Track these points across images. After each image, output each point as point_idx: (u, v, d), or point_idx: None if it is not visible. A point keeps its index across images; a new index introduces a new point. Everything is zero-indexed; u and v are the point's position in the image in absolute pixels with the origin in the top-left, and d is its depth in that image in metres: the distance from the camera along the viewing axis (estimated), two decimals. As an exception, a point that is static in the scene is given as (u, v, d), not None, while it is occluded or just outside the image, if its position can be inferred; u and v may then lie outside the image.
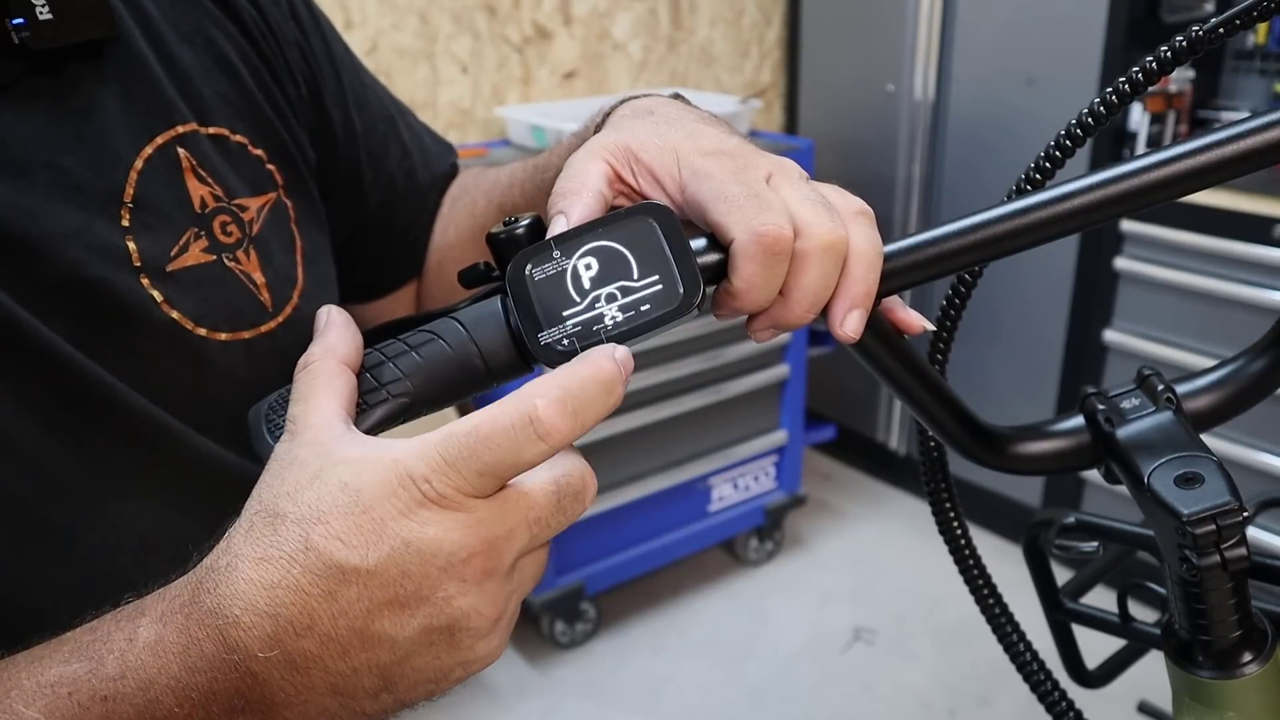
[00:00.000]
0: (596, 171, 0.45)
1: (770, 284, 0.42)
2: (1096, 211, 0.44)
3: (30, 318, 0.46)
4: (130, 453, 0.50)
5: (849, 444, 2.85)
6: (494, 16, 2.30)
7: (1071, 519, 0.62)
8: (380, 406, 0.42)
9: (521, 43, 2.36)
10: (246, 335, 0.55)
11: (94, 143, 0.50)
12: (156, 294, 0.51)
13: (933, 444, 0.62)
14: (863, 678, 2.12)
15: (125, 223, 0.50)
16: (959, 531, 0.64)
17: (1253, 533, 1.84)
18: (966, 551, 0.65)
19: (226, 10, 0.58)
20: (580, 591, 2.13)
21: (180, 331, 0.52)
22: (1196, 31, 0.48)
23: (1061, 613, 0.66)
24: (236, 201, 0.56)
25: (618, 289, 0.41)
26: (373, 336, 0.44)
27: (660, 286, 0.41)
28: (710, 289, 0.43)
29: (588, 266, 0.41)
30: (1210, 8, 2.11)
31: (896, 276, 0.45)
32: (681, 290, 0.41)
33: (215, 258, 0.54)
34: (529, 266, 0.41)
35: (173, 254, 0.52)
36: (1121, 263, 2.09)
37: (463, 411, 0.39)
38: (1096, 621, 0.64)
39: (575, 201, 0.43)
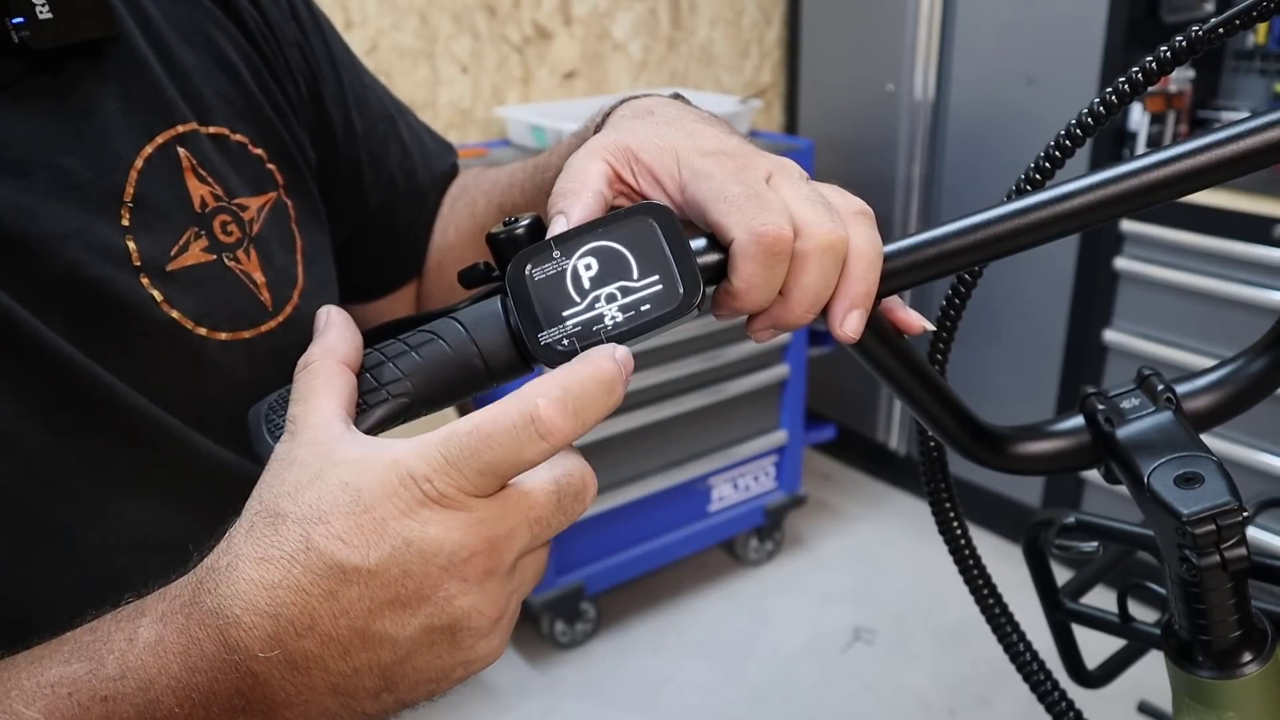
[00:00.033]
0: (596, 171, 0.45)
1: (770, 284, 0.42)
2: (1096, 211, 0.44)
3: (30, 318, 0.46)
4: (130, 453, 0.50)
5: (849, 444, 2.85)
6: (494, 16, 2.30)
7: (1071, 519, 0.62)
8: (380, 406, 0.42)
9: (521, 43, 2.36)
10: (246, 335, 0.55)
11: (94, 142, 0.50)
12: (156, 294, 0.51)
13: (933, 444, 0.62)
14: (863, 678, 2.12)
15: (125, 222, 0.50)
16: (959, 531, 0.64)
17: (1253, 533, 1.84)
18: (966, 551, 0.65)
19: (227, 10, 0.59)
20: (580, 591, 2.13)
21: (180, 331, 0.52)
22: (1196, 31, 0.48)
23: (1061, 613, 0.66)
24: (236, 201, 0.56)
25: (618, 289, 0.41)
26: (373, 336, 0.44)
27: (660, 286, 0.41)
28: (710, 289, 0.43)
29: (588, 266, 0.41)
30: (1210, 8, 2.11)
31: (896, 276, 0.45)
32: (681, 290, 0.41)
33: (215, 257, 0.54)
34: (529, 266, 0.41)
35: (173, 253, 0.52)
36: (1121, 263, 2.09)
37: (463, 412, 0.39)
38: (1096, 621, 0.64)
39: (575, 201, 0.43)
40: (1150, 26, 2.03)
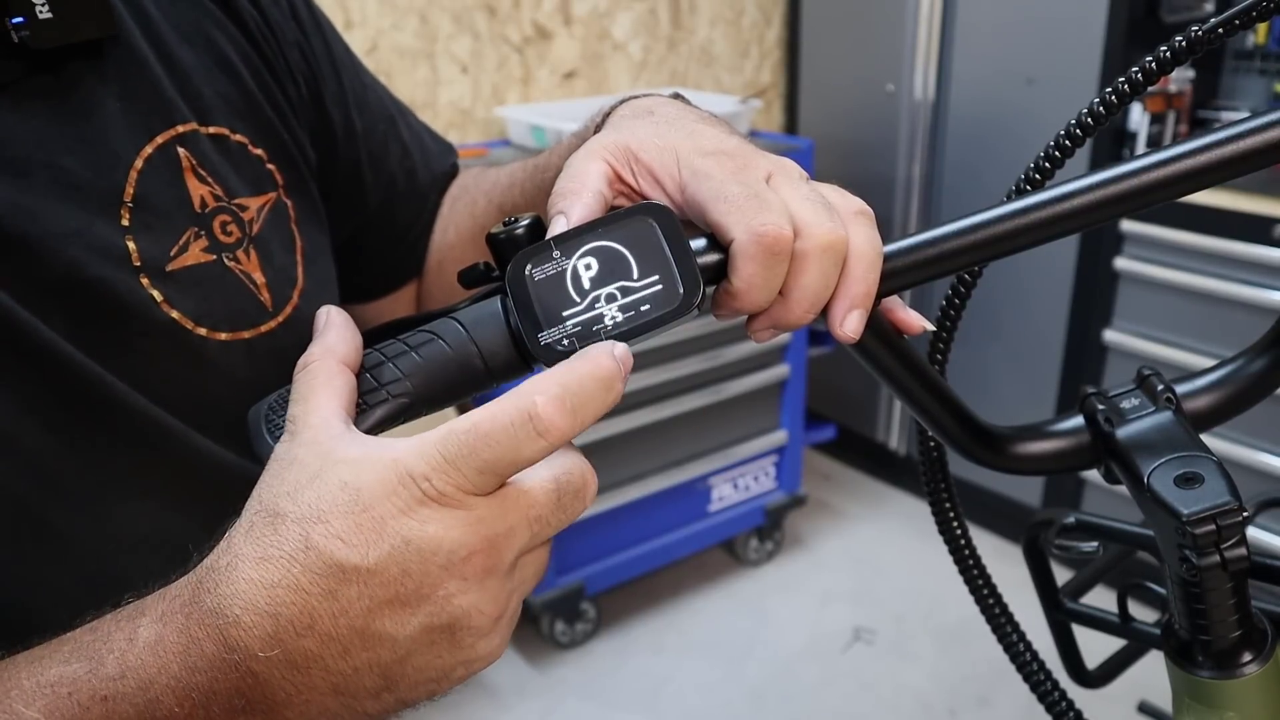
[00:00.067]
0: (596, 171, 0.45)
1: (770, 284, 0.42)
2: (1096, 211, 0.44)
3: (30, 318, 0.46)
4: (130, 453, 0.50)
5: (849, 444, 2.85)
6: (494, 16, 2.30)
7: (1071, 519, 0.62)
8: (380, 406, 0.42)
9: (521, 43, 2.36)
10: (246, 335, 0.55)
11: (94, 142, 0.50)
12: (156, 294, 0.51)
13: (933, 444, 0.62)
14: (863, 678, 2.12)
15: (125, 222, 0.50)
16: (959, 531, 0.64)
17: (1253, 533, 1.84)
18: (966, 551, 0.65)
19: (227, 10, 0.59)
20: (580, 591, 2.13)
21: (180, 331, 0.52)
22: (1196, 31, 0.48)
23: (1061, 613, 0.66)
24: (236, 201, 0.56)
25: (618, 289, 0.41)
26: (373, 336, 0.44)
27: (660, 286, 0.41)
28: (710, 289, 0.43)
29: (588, 266, 0.41)
30: (1210, 8, 2.11)
31: (896, 276, 0.45)
32: (681, 290, 0.41)
33: (215, 257, 0.54)
34: (529, 267, 0.41)
35: (173, 254, 0.52)
36: (1121, 263, 2.09)
37: (462, 412, 0.39)
38: (1096, 621, 0.64)
39: (575, 201, 0.43)
40: (1150, 26, 2.03)
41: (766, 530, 2.47)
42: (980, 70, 2.31)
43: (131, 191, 0.51)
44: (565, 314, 0.41)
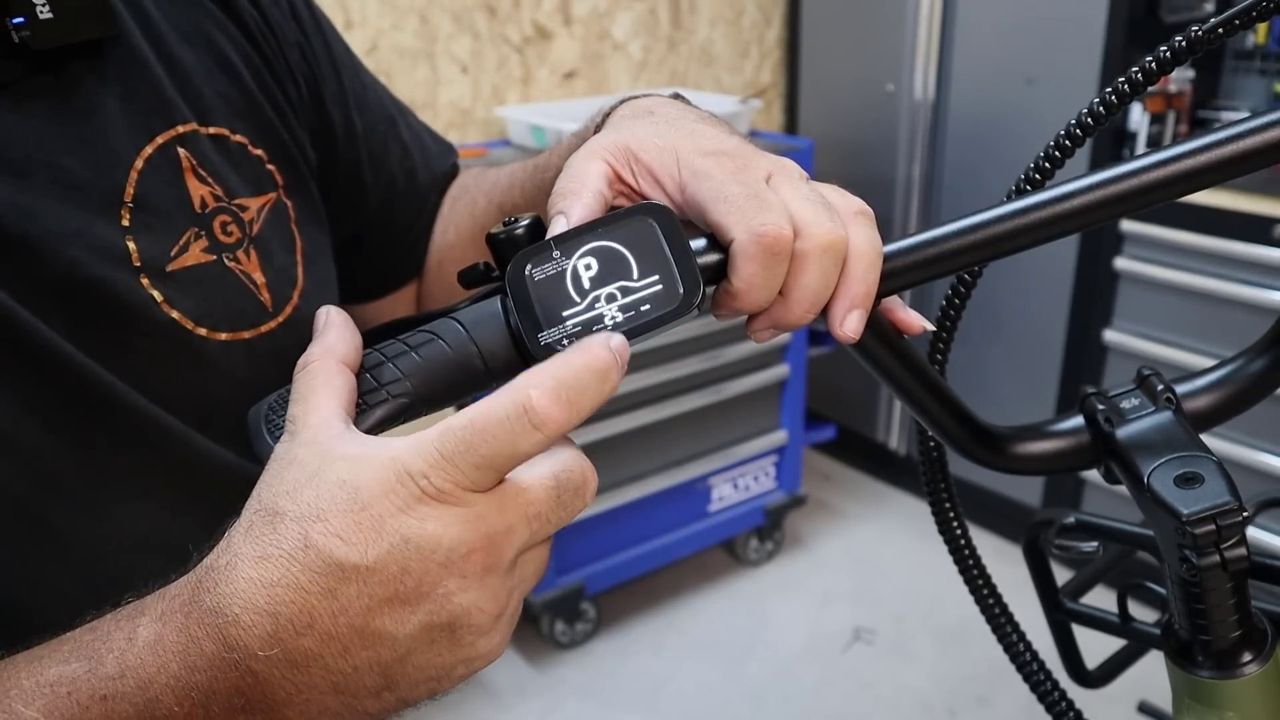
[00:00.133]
0: (596, 172, 0.45)
1: (770, 284, 0.42)
2: (1096, 211, 0.44)
3: (30, 318, 0.46)
4: (130, 453, 0.50)
5: (849, 444, 2.85)
6: (494, 16, 2.30)
7: (1071, 519, 0.62)
8: (380, 406, 0.42)
9: (521, 43, 2.36)
10: (246, 335, 0.55)
11: (94, 142, 0.50)
12: (156, 294, 0.51)
13: (933, 444, 0.62)
14: (863, 678, 2.12)
15: (125, 222, 0.50)
16: (959, 531, 0.64)
17: (1253, 533, 1.84)
18: (966, 551, 0.65)
19: (227, 10, 0.59)
20: (580, 591, 2.13)
21: (180, 331, 0.52)
22: (1196, 31, 0.48)
23: (1061, 613, 0.66)
24: (237, 201, 0.56)
25: (618, 289, 0.41)
26: (372, 337, 0.44)
27: (660, 286, 0.41)
28: (710, 289, 0.43)
29: (587, 267, 0.41)
30: (1210, 8, 2.11)
31: (896, 276, 0.45)
32: (681, 290, 0.41)
33: (215, 258, 0.54)
34: (529, 267, 0.41)
35: (173, 254, 0.52)
36: (1121, 263, 2.09)
37: (462, 411, 0.39)
38: (1096, 621, 0.64)
39: (575, 201, 0.43)
40: (1150, 26, 2.03)
41: (766, 530, 2.47)
42: (980, 70, 2.31)
43: (132, 192, 0.51)
44: (565, 314, 0.41)
